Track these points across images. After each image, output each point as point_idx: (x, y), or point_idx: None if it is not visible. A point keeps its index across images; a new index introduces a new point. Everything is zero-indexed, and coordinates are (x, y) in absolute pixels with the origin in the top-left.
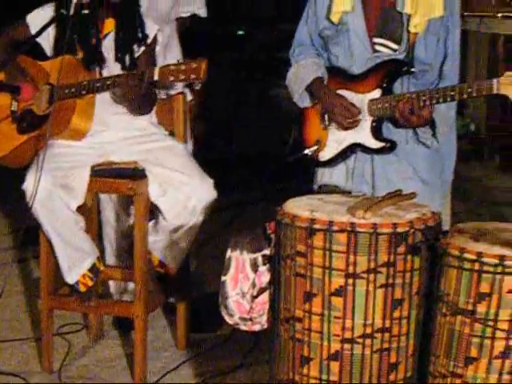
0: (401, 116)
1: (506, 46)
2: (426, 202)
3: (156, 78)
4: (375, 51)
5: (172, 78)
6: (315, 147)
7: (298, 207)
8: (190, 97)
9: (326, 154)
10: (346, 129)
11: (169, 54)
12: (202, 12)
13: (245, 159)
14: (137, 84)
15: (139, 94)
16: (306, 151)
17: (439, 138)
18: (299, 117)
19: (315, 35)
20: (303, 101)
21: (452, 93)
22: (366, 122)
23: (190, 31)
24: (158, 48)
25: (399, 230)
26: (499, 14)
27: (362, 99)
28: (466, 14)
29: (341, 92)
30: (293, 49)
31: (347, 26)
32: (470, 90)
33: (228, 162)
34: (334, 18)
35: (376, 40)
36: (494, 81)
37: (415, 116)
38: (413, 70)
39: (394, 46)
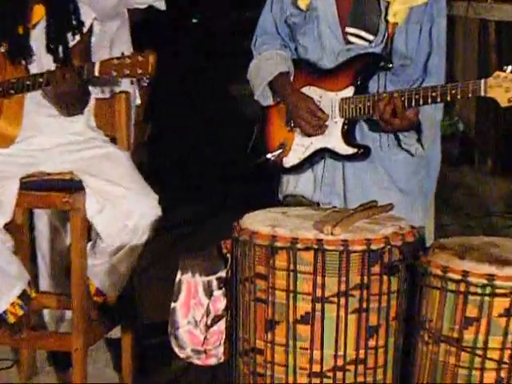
0: (381, 118)
1: (498, 34)
2: (406, 215)
3: (97, 73)
4: (348, 42)
5: (115, 74)
6: (279, 151)
7: (258, 222)
8: (138, 100)
9: (290, 160)
10: (312, 135)
11: (117, 49)
12: (160, 4)
13: (200, 167)
14: (74, 80)
15: (76, 93)
16: (269, 155)
17: (425, 143)
18: (262, 116)
19: (281, 23)
20: (265, 98)
21: (433, 94)
22: (337, 124)
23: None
24: (94, 39)
25: (373, 246)
26: None
27: (333, 98)
28: None
29: (309, 89)
30: (255, 38)
31: (317, 12)
32: (453, 91)
33: (181, 170)
34: (302, 4)
35: (349, 30)
36: (482, 82)
37: (398, 118)
38: (391, 65)
39: (370, 37)
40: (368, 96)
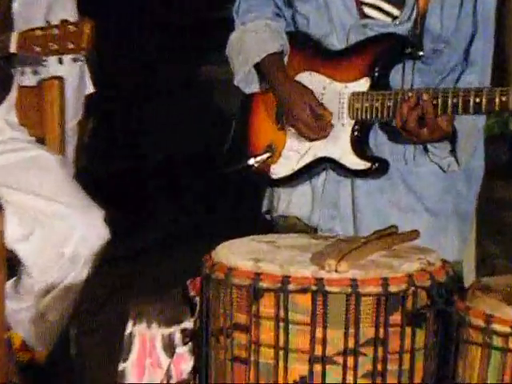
0: (404, 127)
1: None
2: (436, 244)
3: (13, 48)
4: (364, 16)
5: (39, 49)
6: (265, 156)
7: (237, 255)
8: (91, 88)
9: (281, 169)
10: (311, 140)
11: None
12: None
13: (162, 174)
14: None
15: None
16: (252, 161)
17: (462, 157)
18: (243, 108)
19: None
20: (249, 84)
21: (477, 99)
22: (345, 127)
23: None
24: (16, 4)
25: (392, 288)
26: None
27: (341, 91)
28: None
29: (309, 76)
30: (238, 2)
31: None
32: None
33: (134, 179)
34: None
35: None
36: None
37: (427, 128)
38: (421, 53)
39: (394, 12)
40: (389, 93)
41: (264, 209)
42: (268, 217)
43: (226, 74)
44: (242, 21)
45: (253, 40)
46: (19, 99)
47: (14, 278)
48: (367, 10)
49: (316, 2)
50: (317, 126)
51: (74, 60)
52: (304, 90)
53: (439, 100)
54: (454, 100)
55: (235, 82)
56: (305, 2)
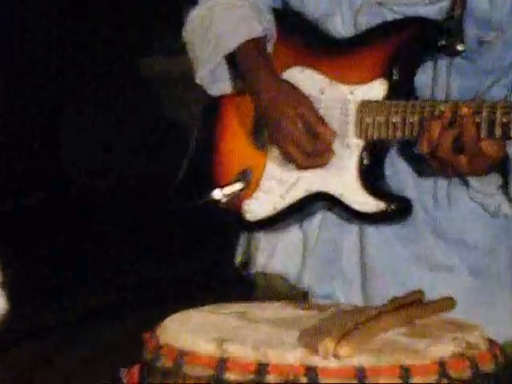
0: (433, 151)
1: None
2: (480, 317)
3: None
4: None
5: None
6: (237, 186)
7: (193, 332)
8: None
9: (259, 206)
10: (302, 168)
11: None
12: None
13: (86, 209)
14: None
15: None
16: (217, 194)
17: None
18: (206, 117)
19: None
20: (217, 81)
21: None
22: (350, 150)
23: None
24: None
25: (416, 380)
26: None
27: (346, 98)
28: None
29: (301, 72)
30: None
31: None
32: None
33: (47, 216)
34: None
35: None
36: None
37: (467, 155)
38: (459, 47)
39: None
40: (413, 103)
41: (238, 260)
42: (243, 272)
43: (178, 67)
44: None
45: (225, 20)
46: None
47: None
48: None
49: None
50: (313, 149)
51: None
52: (297, 96)
53: (485, 116)
54: (506, 118)
55: (197, 80)
56: None
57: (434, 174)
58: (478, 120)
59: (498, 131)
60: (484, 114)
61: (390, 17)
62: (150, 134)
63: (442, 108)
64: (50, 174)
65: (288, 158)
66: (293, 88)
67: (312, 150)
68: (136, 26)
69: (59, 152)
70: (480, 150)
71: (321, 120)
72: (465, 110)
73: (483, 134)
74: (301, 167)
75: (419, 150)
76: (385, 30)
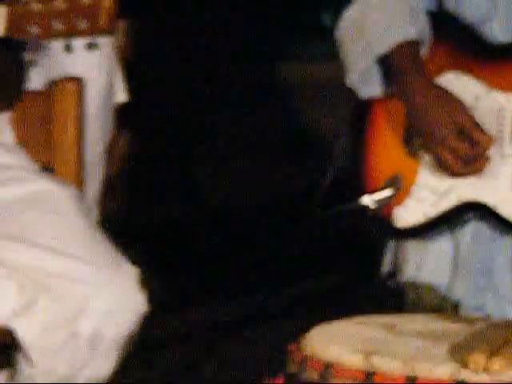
0: None
1: None
2: None
3: (1, 29)
4: None
5: (38, 30)
6: (387, 193)
7: (339, 344)
8: (122, 96)
9: (409, 214)
10: (456, 176)
11: None
12: None
13: (223, 221)
14: None
15: None
16: (367, 200)
17: None
18: (355, 121)
19: None
20: (368, 84)
21: None
22: (506, 160)
23: None
24: None
25: None
26: None
27: (503, 106)
28: None
29: (456, 78)
30: None
31: None
32: None
33: (185, 228)
34: None
35: None
36: None
37: None
38: None
39: None
40: None
41: (385, 269)
42: (390, 282)
43: (323, 74)
44: None
45: (378, 21)
46: (16, 110)
47: (8, 370)
48: None
49: None
50: (469, 156)
51: (89, 46)
52: (453, 102)
53: None
54: None
55: (347, 81)
56: None
57: None
58: None
59: None
60: None
61: None
62: (293, 140)
63: None
64: (190, 186)
65: (442, 165)
66: (448, 93)
67: (468, 157)
68: (275, 32)
69: (193, 166)
70: None
71: (478, 126)
72: None
73: None
74: (455, 174)
75: None
76: None
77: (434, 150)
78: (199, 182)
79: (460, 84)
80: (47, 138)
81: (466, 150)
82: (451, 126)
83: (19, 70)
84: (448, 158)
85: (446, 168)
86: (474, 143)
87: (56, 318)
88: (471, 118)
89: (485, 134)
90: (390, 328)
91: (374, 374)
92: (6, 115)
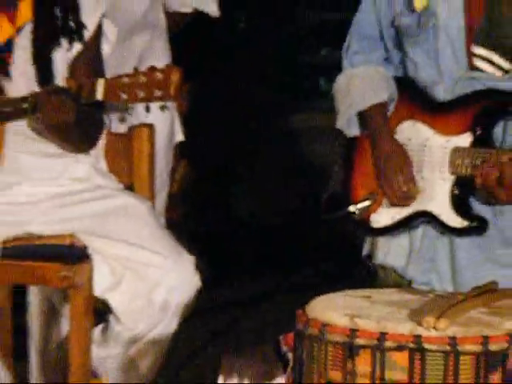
0: (482, 185)
1: None
2: None
3: (100, 95)
4: (473, 68)
5: (125, 97)
6: (366, 204)
7: (332, 309)
8: (180, 136)
9: (381, 218)
10: (393, 204)
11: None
12: (212, 9)
13: (253, 225)
14: (69, 106)
15: (73, 122)
16: (352, 208)
17: None
18: (345, 152)
19: (386, 24)
20: (351, 127)
21: None
22: (445, 182)
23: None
24: (105, 48)
25: (493, 347)
26: None
27: (443, 145)
28: None
29: (412, 125)
30: (348, 43)
31: (436, 19)
32: None
33: (225, 228)
34: (418, 3)
35: (477, 50)
36: None
37: (505, 189)
38: None
39: (505, 65)
40: (490, 151)
41: (364, 253)
42: (368, 263)
43: (320, 123)
44: (350, 61)
45: (360, 86)
46: (108, 146)
47: (101, 326)
48: (477, 62)
49: (427, 48)
50: (401, 196)
51: (162, 108)
52: (402, 157)
53: None
54: None
55: (337, 125)
56: (415, 46)
57: (482, 201)
58: None
59: None
60: None
61: (478, 87)
62: (305, 168)
63: (489, 155)
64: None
65: (386, 196)
66: (402, 150)
67: (400, 196)
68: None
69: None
70: None
71: (413, 180)
72: (504, 157)
73: None
74: (391, 203)
75: (476, 182)
76: (474, 97)
77: (383, 183)
78: (235, 197)
79: (415, 129)
80: (129, 166)
81: (399, 190)
82: (396, 173)
83: (100, 124)
84: (388, 192)
85: (387, 196)
86: (406, 188)
87: (137, 291)
88: (410, 172)
89: (415, 186)
90: (368, 298)
91: (356, 330)
92: (101, 150)
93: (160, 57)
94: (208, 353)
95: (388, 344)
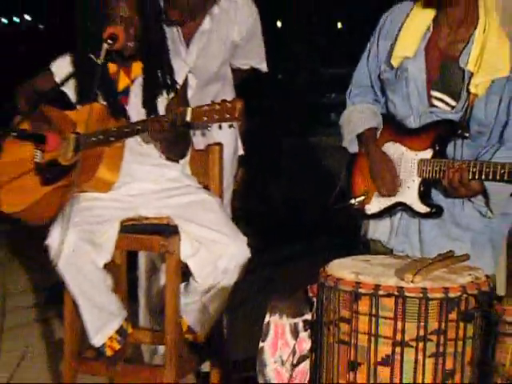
0: (449, 185)
1: None
2: (478, 265)
3: (188, 118)
4: (432, 105)
5: (206, 119)
6: (362, 198)
7: (343, 269)
8: (241, 151)
9: (372, 207)
10: (383, 195)
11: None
12: (262, 66)
13: (285, 210)
14: (168, 127)
15: (172, 137)
16: (353, 201)
17: (494, 210)
18: (349, 162)
19: (375, 77)
20: (352, 146)
21: (502, 171)
22: (415, 182)
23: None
24: (190, 92)
25: (451, 295)
26: None
27: (413, 158)
28: None
29: (393, 145)
30: (350, 89)
31: (407, 73)
32: None
33: (267, 213)
34: (395, 62)
35: (434, 93)
36: None
37: (464, 187)
38: (467, 134)
39: (452, 103)
40: (444, 161)
41: (362, 233)
42: (364, 237)
43: (331, 142)
44: (352, 101)
45: (358, 117)
46: (192, 158)
47: (185, 283)
48: (434, 101)
49: (401, 93)
50: (389, 187)
51: (230, 126)
52: (387, 162)
53: (472, 169)
54: (487, 170)
55: (343, 144)
56: (394, 93)
57: (451, 196)
58: (473, 170)
59: (478, 176)
60: (472, 167)
61: (435, 118)
62: (322, 174)
63: (455, 164)
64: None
65: (377, 190)
66: (386, 157)
67: (388, 188)
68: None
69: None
70: (470, 185)
71: (395, 177)
72: (464, 165)
73: (471, 177)
74: (381, 194)
75: (444, 183)
76: (433, 125)
77: (375, 181)
78: (272, 190)
79: (394, 147)
80: (206, 172)
81: (387, 184)
82: (383, 173)
83: (188, 139)
84: (379, 184)
85: (377, 189)
86: (390, 186)
87: (207, 260)
88: (393, 172)
89: (396, 184)
90: (367, 261)
91: (359, 283)
92: (187, 160)
93: (228, 94)
94: (256, 300)
95: (380, 292)
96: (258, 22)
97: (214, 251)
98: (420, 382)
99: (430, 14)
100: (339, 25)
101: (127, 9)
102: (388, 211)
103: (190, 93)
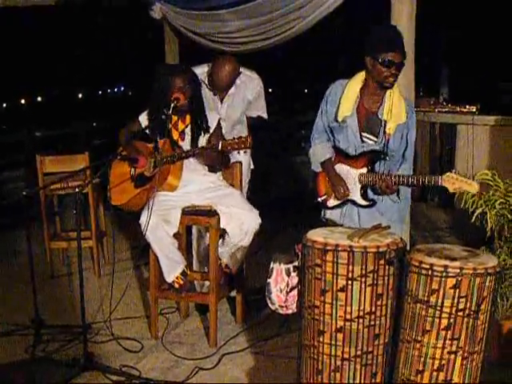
0: (380, 189)
1: (441, 128)
2: (394, 232)
3: (220, 147)
4: (363, 141)
5: (230, 148)
6: (324, 197)
7: (317, 235)
8: (252, 165)
9: (331, 203)
10: (339, 198)
11: (252, 111)
12: (265, 115)
13: (279, 201)
14: (210, 153)
15: (215, 158)
16: (319, 199)
17: (401, 197)
18: (315, 176)
19: (327, 126)
20: (317, 168)
21: (412, 180)
22: (357, 187)
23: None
24: (224, 130)
25: (381, 249)
26: (436, 110)
27: (355, 173)
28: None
29: (342, 165)
30: (313, 134)
31: (347, 123)
32: (423, 180)
33: (268, 201)
34: (339, 119)
35: (364, 134)
36: (439, 178)
37: (389, 189)
38: (387, 157)
39: (375, 139)
40: (375, 174)
41: (322, 215)
42: (324, 218)
43: (304, 161)
44: (314, 142)
45: (320, 151)
46: (224, 170)
47: (221, 239)
48: (364, 139)
49: (344, 135)
50: (340, 193)
51: (245, 152)
52: (339, 178)
53: (392, 179)
54: (402, 179)
55: (312, 167)
56: (339, 135)
57: (380, 194)
58: (394, 180)
59: (397, 183)
60: (392, 179)
61: (366, 148)
62: (302, 181)
63: (382, 177)
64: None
65: (334, 194)
66: (339, 176)
67: (340, 193)
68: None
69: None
70: (391, 187)
71: (344, 187)
72: (388, 178)
73: (393, 183)
74: (336, 198)
75: (376, 187)
76: (365, 152)
77: (332, 190)
78: (277, 182)
79: (342, 167)
80: (231, 178)
81: (338, 194)
82: (337, 186)
83: (226, 159)
84: (335, 191)
85: (334, 193)
86: (342, 192)
87: (235, 226)
88: (343, 185)
89: (345, 191)
90: (331, 231)
91: (326, 243)
92: (221, 172)
93: (259, 108)
94: (262, 253)
95: (339, 248)
96: (262, 88)
97: (239, 221)
98: (363, 301)
99: (358, 86)
100: None
101: (184, 83)
102: (341, 204)
103: (224, 131)
